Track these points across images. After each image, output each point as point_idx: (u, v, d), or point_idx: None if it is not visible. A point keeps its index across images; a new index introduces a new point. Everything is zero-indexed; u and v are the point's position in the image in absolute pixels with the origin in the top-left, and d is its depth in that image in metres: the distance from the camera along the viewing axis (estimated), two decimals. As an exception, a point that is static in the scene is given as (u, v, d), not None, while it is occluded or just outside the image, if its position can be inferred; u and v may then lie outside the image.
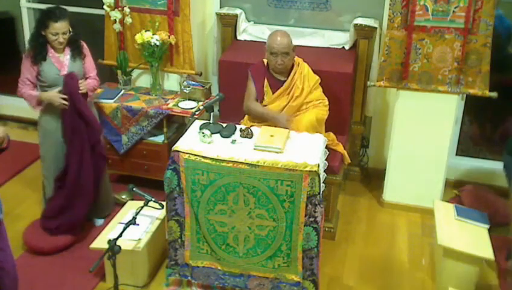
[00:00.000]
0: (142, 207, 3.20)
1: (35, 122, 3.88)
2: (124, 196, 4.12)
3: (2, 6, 5.35)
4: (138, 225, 3.22)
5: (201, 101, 4.22)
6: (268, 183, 2.96)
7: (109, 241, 2.94)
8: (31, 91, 3.56)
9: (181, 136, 3.27)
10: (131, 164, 4.29)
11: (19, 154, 4.74)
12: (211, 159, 3.01)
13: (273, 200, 3.00)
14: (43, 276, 3.47)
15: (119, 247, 2.92)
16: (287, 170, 2.92)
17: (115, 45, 4.42)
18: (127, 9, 4.20)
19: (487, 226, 3.47)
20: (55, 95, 3.50)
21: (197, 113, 3.62)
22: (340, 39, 4.30)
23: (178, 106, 4.15)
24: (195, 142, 3.14)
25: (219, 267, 3.25)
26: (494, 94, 3.75)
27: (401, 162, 4.11)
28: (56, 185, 3.71)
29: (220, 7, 4.52)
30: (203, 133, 3.14)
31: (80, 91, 3.53)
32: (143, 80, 4.50)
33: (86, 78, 3.68)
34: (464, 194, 4.05)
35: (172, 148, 3.11)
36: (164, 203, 3.25)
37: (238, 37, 4.44)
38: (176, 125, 4.40)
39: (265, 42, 3.61)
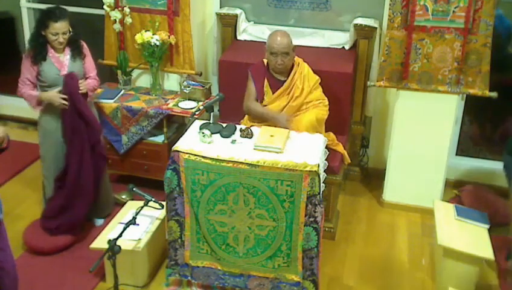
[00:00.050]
0: (142, 207, 3.20)
1: (35, 122, 3.88)
2: (124, 196, 4.12)
3: (2, 6, 5.35)
4: (138, 225, 3.22)
5: (201, 101, 4.22)
6: (268, 183, 2.96)
7: (109, 241, 2.94)
8: (31, 91, 3.56)
9: (181, 136, 3.27)
10: (131, 164, 4.28)
11: (19, 154, 4.74)
12: (211, 159, 3.01)
13: (273, 200, 3.00)
14: (43, 276, 3.47)
15: (119, 247, 2.92)
16: (287, 170, 2.92)
17: (115, 45, 4.42)
18: (127, 9, 4.20)
19: (487, 226, 3.46)
20: (55, 95, 3.50)
21: (197, 113, 3.62)
22: (340, 39, 4.30)
23: (178, 106, 4.15)
24: (195, 142, 3.14)
25: (219, 267, 3.25)
26: (494, 94, 3.75)
27: (401, 162, 4.11)
28: (56, 185, 3.71)
29: (220, 7, 4.52)
30: (203, 133, 3.14)
31: (79, 91, 3.53)
32: (143, 80, 4.50)
33: (86, 78, 3.68)
34: (464, 194, 4.05)
35: (172, 148, 3.11)
36: (164, 203, 3.25)
37: (238, 37, 4.44)
38: (176, 125, 4.40)
39: (265, 42, 3.61)
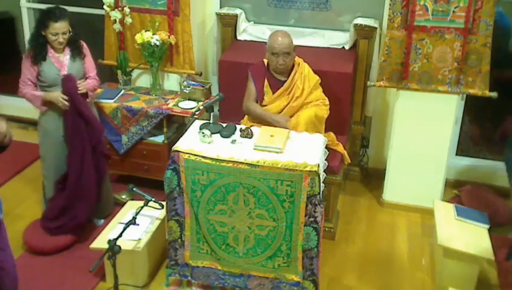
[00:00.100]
0: (142, 207, 3.20)
1: (35, 122, 3.88)
2: (124, 196, 4.12)
3: (2, 6, 5.35)
4: (138, 225, 3.22)
5: (201, 101, 4.22)
6: (268, 183, 2.96)
7: (109, 241, 2.94)
8: (34, 91, 3.56)
9: (181, 136, 3.27)
10: (131, 164, 4.28)
11: (19, 154, 4.73)
12: (211, 159, 3.01)
13: (273, 200, 3.00)
14: (43, 276, 3.47)
15: (119, 247, 2.92)
16: (287, 170, 2.92)
17: (115, 45, 4.42)
18: (127, 9, 4.20)
19: (487, 226, 3.47)
20: (58, 96, 3.50)
21: (197, 113, 3.62)
22: (340, 39, 4.30)
23: (178, 106, 4.15)
24: (195, 142, 3.14)
25: (219, 267, 3.25)
26: (494, 94, 3.75)
27: (401, 162, 4.11)
28: (57, 187, 3.70)
29: (220, 7, 4.52)
30: (203, 133, 3.13)
31: (79, 91, 3.53)
32: (143, 80, 4.50)
33: (86, 78, 3.68)
34: (464, 194, 4.05)
35: (172, 148, 3.11)
36: (164, 203, 3.25)
37: (238, 37, 4.44)
38: (176, 125, 4.40)
39: (265, 42, 3.61)
